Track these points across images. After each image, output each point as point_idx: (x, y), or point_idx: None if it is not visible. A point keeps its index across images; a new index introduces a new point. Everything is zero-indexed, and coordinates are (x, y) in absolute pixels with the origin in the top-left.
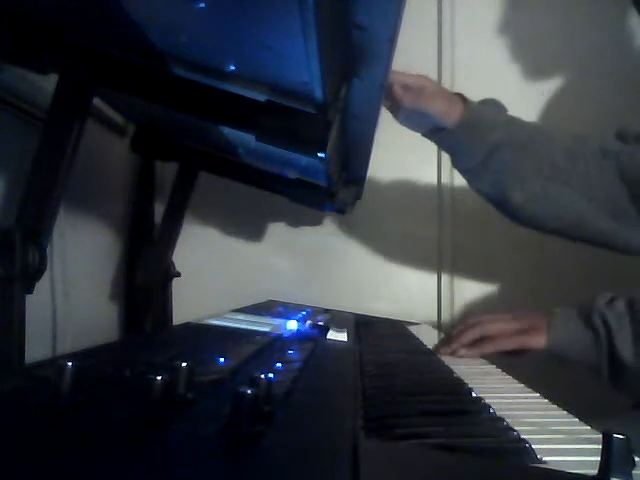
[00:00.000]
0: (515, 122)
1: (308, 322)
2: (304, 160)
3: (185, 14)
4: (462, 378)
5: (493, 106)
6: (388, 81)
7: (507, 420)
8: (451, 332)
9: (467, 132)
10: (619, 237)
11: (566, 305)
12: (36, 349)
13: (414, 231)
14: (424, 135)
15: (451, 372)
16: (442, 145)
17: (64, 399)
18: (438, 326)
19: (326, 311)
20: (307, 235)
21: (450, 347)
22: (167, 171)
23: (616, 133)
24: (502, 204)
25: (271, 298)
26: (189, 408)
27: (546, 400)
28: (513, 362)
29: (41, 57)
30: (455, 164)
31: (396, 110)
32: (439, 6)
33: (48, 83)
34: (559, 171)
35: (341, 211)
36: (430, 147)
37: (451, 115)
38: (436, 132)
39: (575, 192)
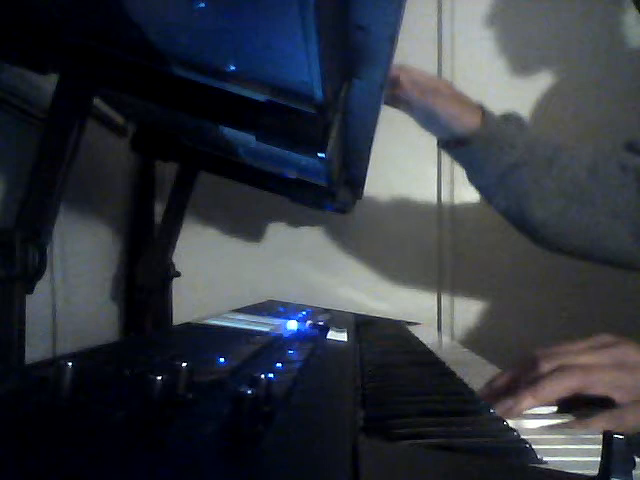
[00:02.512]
0: (536, 140)
1: (308, 322)
2: (304, 160)
3: (185, 14)
4: (462, 378)
5: (515, 122)
6: (397, 74)
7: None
8: (502, 377)
9: (483, 147)
10: None
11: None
12: (36, 349)
13: (414, 231)
14: (440, 147)
15: (451, 372)
16: (458, 159)
17: (64, 399)
18: (438, 326)
19: (326, 311)
20: (307, 235)
21: (520, 398)
22: (167, 171)
23: (625, 144)
24: (521, 223)
25: (271, 298)
26: (189, 408)
27: None
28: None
29: (41, 57)
30: (470, 180)
31: (397, 103)
32: (439, 6)
33: (48, 83)
34: (582, 190)
35: (341, 211)
36: (430, 145)
37: (462, 122)
38: (452, 146)
39: (598, 210)
